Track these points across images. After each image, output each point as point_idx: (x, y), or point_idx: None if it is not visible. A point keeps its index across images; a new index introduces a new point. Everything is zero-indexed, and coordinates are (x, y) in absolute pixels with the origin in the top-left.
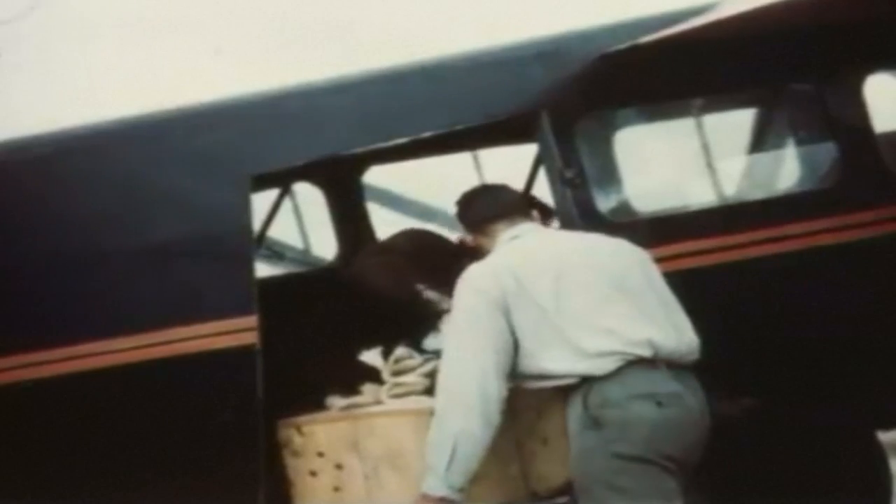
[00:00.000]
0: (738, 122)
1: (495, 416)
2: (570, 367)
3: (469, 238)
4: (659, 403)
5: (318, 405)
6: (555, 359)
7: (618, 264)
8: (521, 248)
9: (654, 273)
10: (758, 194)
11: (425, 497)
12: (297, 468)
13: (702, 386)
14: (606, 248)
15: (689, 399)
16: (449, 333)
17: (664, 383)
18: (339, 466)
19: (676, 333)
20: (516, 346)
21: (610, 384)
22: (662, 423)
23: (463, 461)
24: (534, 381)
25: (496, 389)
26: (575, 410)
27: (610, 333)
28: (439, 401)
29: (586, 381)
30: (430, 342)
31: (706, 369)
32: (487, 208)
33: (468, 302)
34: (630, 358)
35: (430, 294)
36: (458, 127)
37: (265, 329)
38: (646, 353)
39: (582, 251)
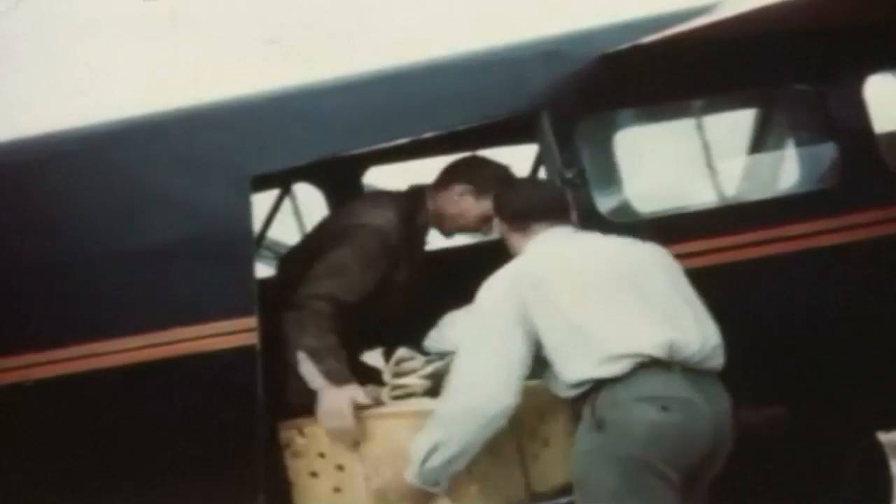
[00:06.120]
0: (738, 123)
1: (489, 430)
2: (587, 373)
3: (498, 228)
4: (664, 408)
5: None
6: (573, 368)
7: (641, 268)
8: (547, 252)
9: (679, 275)
10: (758, 195)
11: (404, 482)
12: (297, 469)
13: (726, 393)
14: (630, 251)
15: (703, 406)
16: (464, 339)
17: (675, 388)
18: (339, 467)
19: (700, 336)
20: (537, 356)
21: (620, 386)
22: (664, 428)
23: (440, 466)
24: (554, 390)
25: (501, 405)
26: (586, 411)
27: (626, 337)
28: (441, 401)
29: (599, 383)
30: (431, 343)
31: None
32: (531, 204)
33: (486, 310)
34: (644, 360)
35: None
36: (459, 127)
37: (265, 329)
38: (661, 355)
39: (605, 256)
